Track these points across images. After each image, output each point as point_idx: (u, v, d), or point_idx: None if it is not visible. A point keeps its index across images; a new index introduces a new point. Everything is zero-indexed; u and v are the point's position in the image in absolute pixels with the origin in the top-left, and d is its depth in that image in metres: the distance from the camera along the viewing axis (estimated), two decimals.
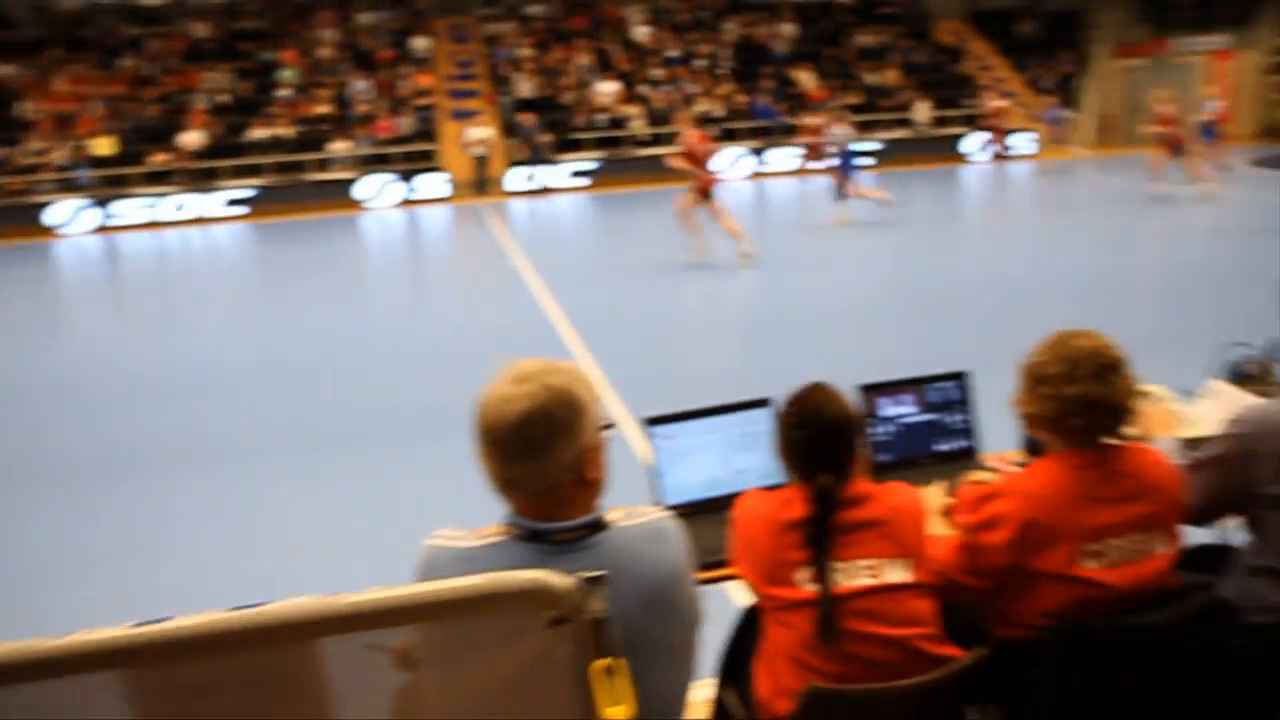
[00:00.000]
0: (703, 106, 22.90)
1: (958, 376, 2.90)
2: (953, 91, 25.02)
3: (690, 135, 11.75)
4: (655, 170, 18.99)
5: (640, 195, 19.92)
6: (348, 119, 22.41)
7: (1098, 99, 25.94)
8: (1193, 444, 2.69)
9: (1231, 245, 11.52)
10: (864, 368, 3.35)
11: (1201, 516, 2.32)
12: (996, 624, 2.18)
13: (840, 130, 14.42)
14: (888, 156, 21.73)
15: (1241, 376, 2.98)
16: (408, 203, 21.19)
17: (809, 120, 21.30)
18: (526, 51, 24.52)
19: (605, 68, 24.14)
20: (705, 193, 11.49)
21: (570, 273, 12.11)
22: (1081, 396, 2.07)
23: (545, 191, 21.47)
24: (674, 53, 24.89)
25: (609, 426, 1.69)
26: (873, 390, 2.83)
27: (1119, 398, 2.11)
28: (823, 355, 7.48)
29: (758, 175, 22.61)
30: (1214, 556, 2.63)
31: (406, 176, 21.34)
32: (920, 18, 27.70)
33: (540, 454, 1.59)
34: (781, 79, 24.51)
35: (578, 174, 21.99)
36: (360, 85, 23.08)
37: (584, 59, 24.34)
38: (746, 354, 8.09)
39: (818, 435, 2.05)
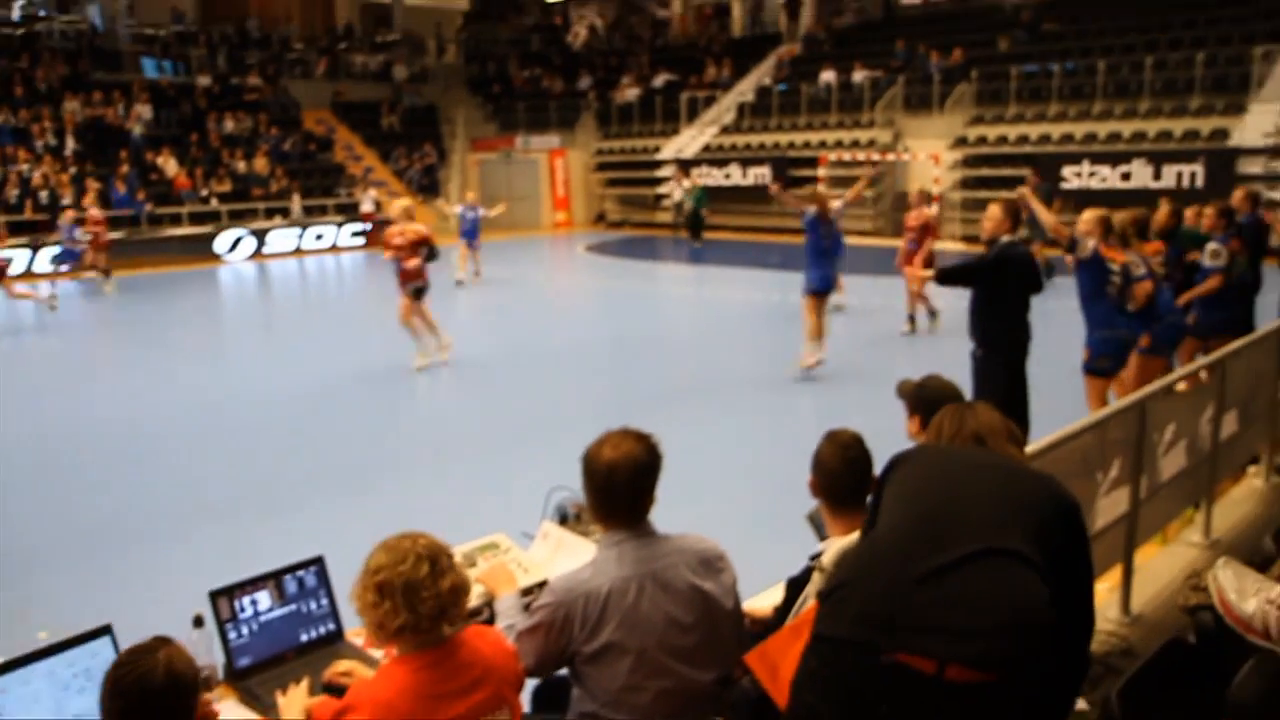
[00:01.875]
0: (48, 192, 20.45)
1: (315, 562, 2.93)
2: (326, 180, 25.42)
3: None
4: None
5: None
6: None
7: (459, 189, 28.09)
8: (529, 591, 3.02)
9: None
10: None
11: (538, 674, 2.61)
12: None
13: None
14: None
15: (565, 518, 3.41)
16: None
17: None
18: None
19: None
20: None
21: None
22: (452, 587, 2.23)
23: None
24: (3, 128, 21.86)
25: None
26: (224, 594, 2.74)
27: (466, 581, 2.33)
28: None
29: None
30: (560, 691, 2.98)
31: None
32: (287, 106, 27.72)
33: None
34: (141, 165, 22.80)
35: None
36: None
37: None
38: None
39: (156, 702, 1.93)
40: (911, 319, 11.68)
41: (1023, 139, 20.93)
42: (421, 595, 2.19)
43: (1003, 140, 21.24)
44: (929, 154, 21.59)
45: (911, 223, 12.14)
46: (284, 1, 33.47)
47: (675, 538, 2.64)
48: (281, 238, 22.91)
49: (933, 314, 11.72)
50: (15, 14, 26.22)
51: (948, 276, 6.62)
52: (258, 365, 11.37)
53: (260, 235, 22.59)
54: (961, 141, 21.75)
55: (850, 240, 13.72)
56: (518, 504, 3.72)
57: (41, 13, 26.62)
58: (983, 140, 21.56)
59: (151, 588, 5.22)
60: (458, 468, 7.32)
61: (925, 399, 3.46)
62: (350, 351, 11.74)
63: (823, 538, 3.16)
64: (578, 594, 2.49)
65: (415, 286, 10.11)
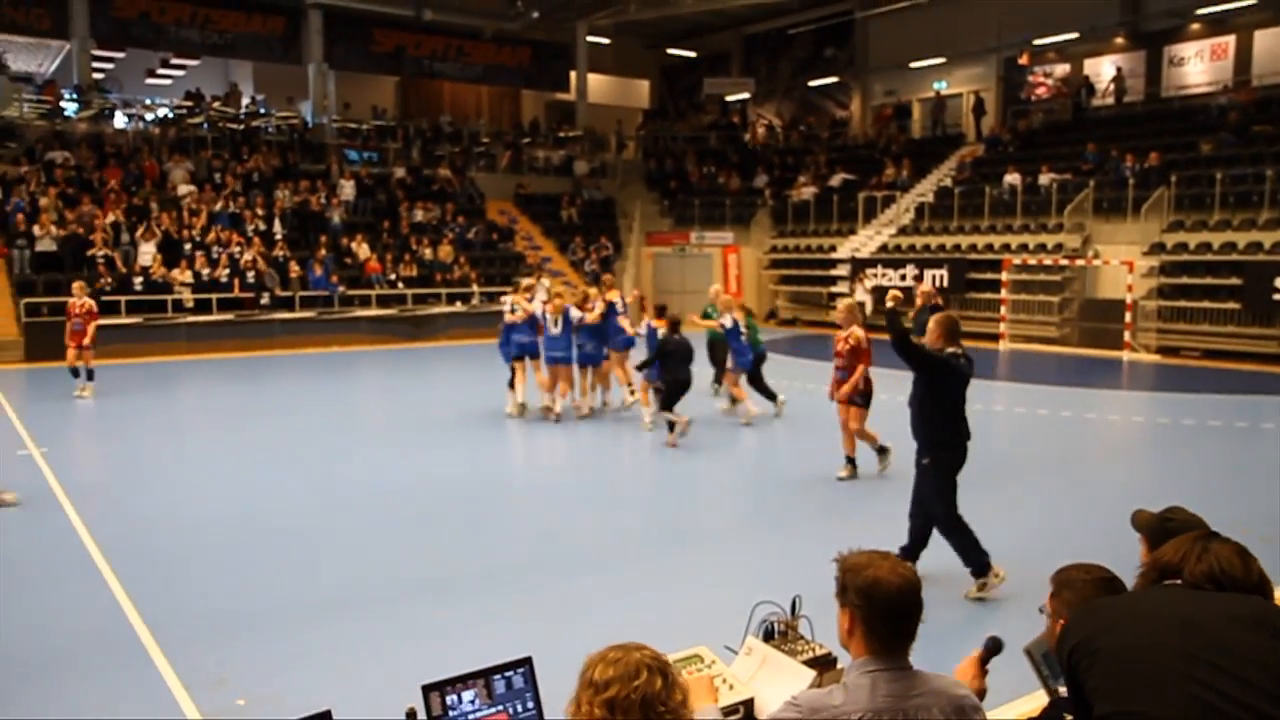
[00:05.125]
0: (254, 273, 22.02)
1: (524, 663, 2.82)
2: (505, 269, 26.38)
3: None
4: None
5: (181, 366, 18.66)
6: None
7: (633, 281, 28.62)
8: (734, 710, 2.83)
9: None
10: None
11: None
12: None
13: None
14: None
15: (771, 634, 3.21)
16: None
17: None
18: (47, 200, 22.05)
19: (144, 225, 22.36)
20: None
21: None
22: (684, 701, 2.13)
23: None
24: (222, 214, 23.76)
25: None
26: (436, 690, 2.66)
27: (688, 689, 2.22)
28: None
29: None
30: None
31: None
32: (473, 196, 29.11)
33: None
34: (338, 249, 24.29)
35: None
36: None
37: (117, 214, 22.41)
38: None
39: None
40: (851, 462, 9.59)
41: (1229, 246, 19.70)
42: (659, 710, 2.05)
43: (1205, 248, 20.05)
44: (1121, 260, 20.59)
45: (840, 346, 9.67)
46: (475, 98, 35.48)
47: (932, 677, 2.40)
48: None
49: (882, 451, 9.70)
50: (241, 111, 28.74)
51: (904, 338, 6.08)
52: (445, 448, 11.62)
53: None
54: (1159, 248, 20.66)
55: (1033, 347, 12.87)
56: (710, 616, 3.54)
57: (261, 110, 29.12)
58: (1183, 247, 20.42)
59: (358, 666, 5.26)
60: (658, 570, 7.09)
61: (1172, 534, 3.14)
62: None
63: (1054, 676, 2.87)
64: (823, 715, 2.29)
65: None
